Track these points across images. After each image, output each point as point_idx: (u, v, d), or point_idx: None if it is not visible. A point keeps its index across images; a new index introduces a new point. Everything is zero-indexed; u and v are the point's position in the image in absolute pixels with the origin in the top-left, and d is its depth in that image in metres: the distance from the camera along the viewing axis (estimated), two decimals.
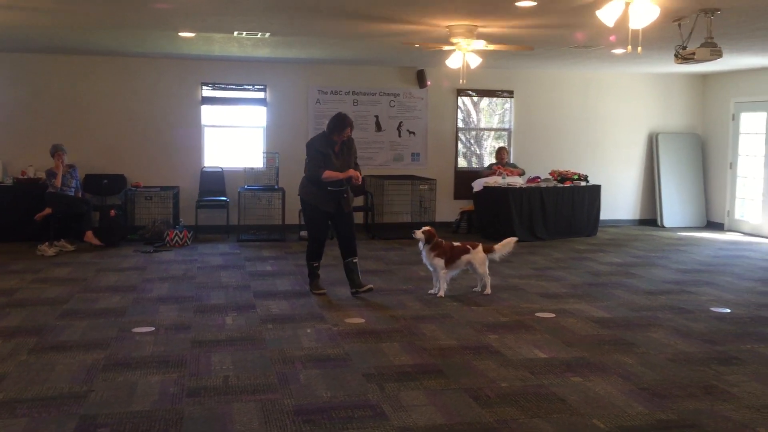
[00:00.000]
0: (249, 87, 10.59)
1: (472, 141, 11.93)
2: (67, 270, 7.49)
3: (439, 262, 6.37)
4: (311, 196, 6.30)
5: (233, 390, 4.04)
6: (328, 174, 6.15)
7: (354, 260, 6.40)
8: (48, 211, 8.73)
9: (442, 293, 6.41)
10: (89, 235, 8.85)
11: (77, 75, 10.00)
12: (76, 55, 9.90)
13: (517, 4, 6.00)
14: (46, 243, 8.49)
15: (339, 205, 6.28)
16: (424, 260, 6.49)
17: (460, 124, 11.50)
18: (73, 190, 8.96)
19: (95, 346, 4.81)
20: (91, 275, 7.23)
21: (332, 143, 6.20)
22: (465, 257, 6.47)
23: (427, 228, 6.49)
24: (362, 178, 10.95)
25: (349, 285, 6.44)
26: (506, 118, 11.73)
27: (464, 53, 7.44)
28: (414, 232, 6.45)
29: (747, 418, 3.73)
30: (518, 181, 10.32)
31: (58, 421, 3.58)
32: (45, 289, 6.55)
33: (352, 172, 6.27)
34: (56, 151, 8.79)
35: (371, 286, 6.39)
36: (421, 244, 6.44)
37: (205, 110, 10.50)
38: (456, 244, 6.54)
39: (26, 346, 4.79)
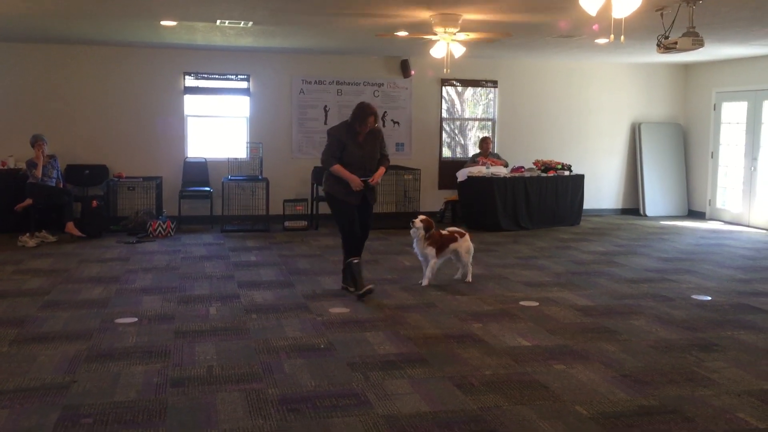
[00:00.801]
0: (232, 77, 10.52)
1: (456, 131, 11.94)
2: (49, 261, 7.43)
3: (432, 251, 6.38)
4: (335, 188, 5.94)
5: (217, 380, 4.04)
6: (338, 169, 5.81)
7: (355, 261, 6.03)
8: (29, 201, 8.63)
9: (426, 282, 6.43)
10: (70, 227, 8.77)
11: (58, 64, 9.89)
12: (57, 44, 9.78)
13: None
14: (27, 234, 8.41)
15: (364, 196, 5.97)
16: (416, 249, 6.48)
17: (445, 114, 11.50)
18: (54, 180, 8.87)
19: (78, 337, 4.78)
20: (73, 266, 7.18)
21: (355, 132, 5.87)
22: (452, 245, 6.49)
23: (425, 217, 6.48)
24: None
25: (342, 279, 6.22)
26: (490, 108, 11.74)
27: (448, 43, 7.44)
28: (413, 222, 6.41)
29: (727, 403, 3.77)
30: (502, 171, 10.35)
31: (40, 411, 3.55)
32: (26, 281, 6.49)
33: (379, 173, 5.98)
34: (36, 141, 8.69)
35: (372, 287, 5.96)
36: (414, 232, 6.42)
37: (188, 100, 10.42)
38: (444, 232, 6.55)
39: (7, 338, 4.75)
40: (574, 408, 3.69)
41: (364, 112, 5.83)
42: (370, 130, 5.92)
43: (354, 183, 5.80)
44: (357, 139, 5.88)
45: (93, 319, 5.25)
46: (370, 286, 5.97)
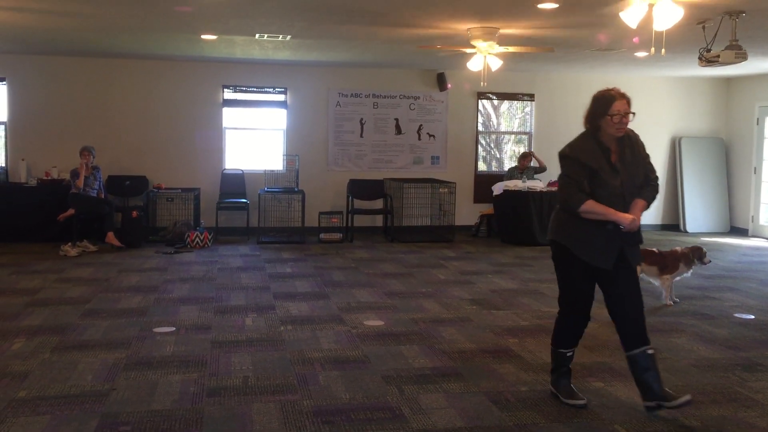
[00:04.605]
0: (270, 90, 10.64)
1: (492, 144, 11.90)
2: (90, 270, 7.57)
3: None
4: (574, 241, 3.80)
5: (253, 390, 4.06)
6: (591, 207, 3.68)
7: (649, 351, 3.78)
8: (71, 211, 8.82)
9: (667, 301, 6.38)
10: (110, 236, 8.93)
11: (100, 77, 10.11)
12: (100, 58, 10.01)
13: (539, 5, 5.98)
14: (69, 243, 8.59)
15: (622, 255, 3.77)
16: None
17: (480, 128, 11.47)
18: (95, 191, 9.05)
19: (117, 346, 4.85)
20: (113, 275, 7.30)
21: (604, 148, 3.76)
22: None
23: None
24: (386, 182, 10.81)
25: (641, 394, 3.82)
26: (527, 122, 11.67)
27: (485, 56, 7.42)
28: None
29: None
30: (539, 185, 10.27)
31: (79, 419, 3.61)
32: (68, 289, 6.62)
33: (638, 209, 3.76)
34: (82, 152, 8.88)
35: (689, 397, 3.71)
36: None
37: (227, 113, 10.57)
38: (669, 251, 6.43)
39: (49, 345, 4.84)
40: (614, 427, 3.62)
41: (604, 97, 3.76)
42: (626, 140, 3.83)
43: (624, 219, 3.65)
44: (609, 158, 3.76)
45: (132, 327, 5.32)
46: (687, 398, 3.72)
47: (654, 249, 6.46)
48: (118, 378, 4.21)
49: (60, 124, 10.02)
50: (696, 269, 6.38)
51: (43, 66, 9.92)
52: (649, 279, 6.39)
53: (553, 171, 11.06)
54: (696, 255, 6.23)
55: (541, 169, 10.71)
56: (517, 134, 11.83)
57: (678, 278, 6.39)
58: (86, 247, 8.72)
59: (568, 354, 4.02)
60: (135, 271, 7.60)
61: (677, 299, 6.46)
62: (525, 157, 10.73)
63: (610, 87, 3.85)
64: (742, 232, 11.51)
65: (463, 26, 6.98)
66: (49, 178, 9.59)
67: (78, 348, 4.80)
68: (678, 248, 6.39)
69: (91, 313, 5.76)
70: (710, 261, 6.31)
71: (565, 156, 3.81)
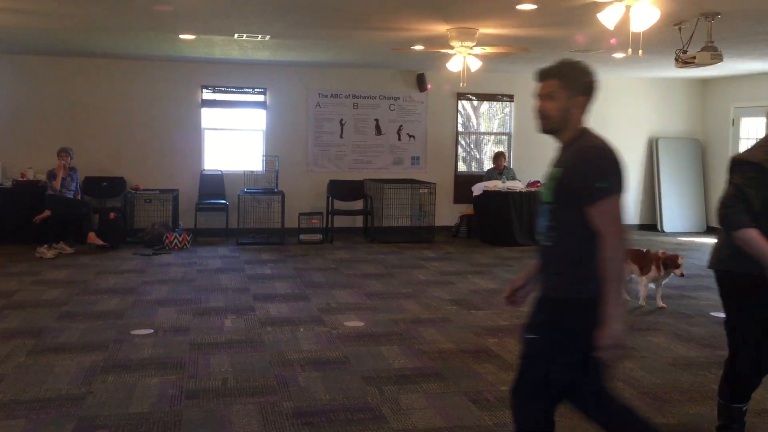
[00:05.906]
0: (249, 90, 10.59)
1: (472, 145, 11.94)
2: (66, 272, 7.48)
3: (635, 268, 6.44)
4: (753, 265, 2.97)
5: (232, 392, 4.03)
6: (750, 239, 2.93)
7: (744, 407, 3.36)
8: (47, 213, 8.71)
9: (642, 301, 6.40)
10: (92, 236, 8.84)
11: (78, 77, 10.00)
12: (77, 58, 9.91)
13: (518, 6, 6.00)
14: (45, 245, 8.48)
15: None
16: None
17: (460, 128, 11.50)
18: (72, 192, 8.94)
19: (94, 348, 4.80)
20: (90, 278, 7.22)
21: None
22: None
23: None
24: (366, 183, 10.83)
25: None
26: (506, 123, 11.73)
27: (465, 56, 7.45)
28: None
29: (748, 422, 3.70)
30: (518, 186, 10.32)
31: (56, 422, 3.56)
32: (44, 291, 6.54)
33: None
34: (60, 153, 8.77)
35: None
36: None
37: (205, 113, 10.50)
38: (654, 252, 6.49)
39: (25, 348, 4.78)
40: (593, 425, 3.64)
41: None
42: None
43: None
44: None
45: (109, 330, 5.27)
46: None
47: (644, 249, 6.54)
48: (95, 381, 4.17)
49: (36, 125, 9.89)
50: (673, 277, 6.38)
51: (19, 66, 9.78)
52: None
53: (533, 172, 11.12)
54: (669, 263, 6.21)
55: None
56: (496, 135, 11.88)
57: (665, 281, 6.40)
58: (63, 249, 8.62)
59: (744, 408, 3.30)
60: (112, 273, 7.52)
61: (664, 305, 6.36)
62: (499, 157, 10.77)
63: None
64: (718, 232, 11.62)
65: (442, 27, 7.00)
66: (25, 179, 9.47)
67: (54, 351, 4.74)
68: (659, 251, 6.42)
69: (68, 315, 5.69)
70: (683, 275, 6.29)
71: (744, 162, 2.98)
